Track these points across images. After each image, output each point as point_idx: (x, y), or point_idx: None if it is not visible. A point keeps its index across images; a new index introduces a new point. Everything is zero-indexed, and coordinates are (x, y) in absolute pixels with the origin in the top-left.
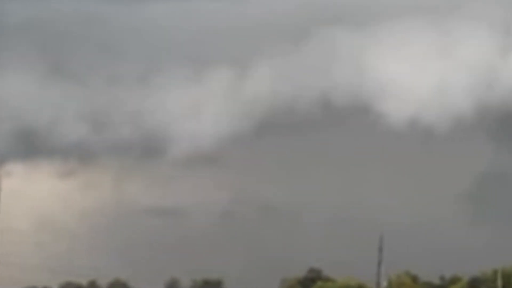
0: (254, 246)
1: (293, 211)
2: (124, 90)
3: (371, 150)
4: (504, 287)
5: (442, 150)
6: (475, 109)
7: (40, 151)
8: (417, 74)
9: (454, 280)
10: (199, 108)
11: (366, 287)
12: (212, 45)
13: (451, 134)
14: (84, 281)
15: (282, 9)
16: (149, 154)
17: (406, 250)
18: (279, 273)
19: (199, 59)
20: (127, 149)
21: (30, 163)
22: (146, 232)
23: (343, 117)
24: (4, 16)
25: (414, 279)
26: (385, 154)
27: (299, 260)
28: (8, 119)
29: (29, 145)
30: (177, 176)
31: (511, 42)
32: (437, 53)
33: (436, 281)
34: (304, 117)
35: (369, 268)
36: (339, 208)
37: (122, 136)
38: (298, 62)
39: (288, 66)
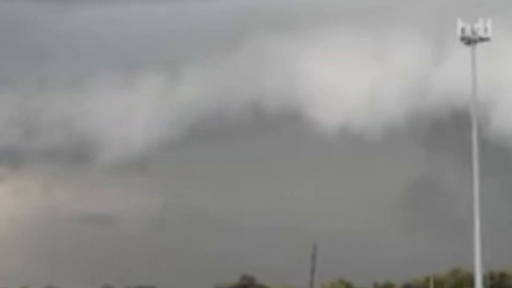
0: (186, 253)
1: (225, 218)
2: (55, 95)
3: (302, 157)
4: None
5: (374, 158)
6: (406, 116)
7: None
8: (349, 81)
9: (387, 286)
10: (130, 113)
11: None
12: (144, 51)
13: (383, 142)
14: None
15: (214, 15)
16: (79, 160)
17: (339, 257)
18: (212, 280)
19: (131, 65)
20: (58, 155)
21: None
22: (77, 239)
23: (274, 124)
24: None
25: (348, 286)
26: (316, 161)
27: (232, 267)
28: None
29: None
30: (108, 182)
31: (443, 51)
32: (370, 60)
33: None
34: (235, 124)
35: (302, 276)
36: (272, 215)
37: (52, 142)
38: (229, 68)
39: (219, 72)
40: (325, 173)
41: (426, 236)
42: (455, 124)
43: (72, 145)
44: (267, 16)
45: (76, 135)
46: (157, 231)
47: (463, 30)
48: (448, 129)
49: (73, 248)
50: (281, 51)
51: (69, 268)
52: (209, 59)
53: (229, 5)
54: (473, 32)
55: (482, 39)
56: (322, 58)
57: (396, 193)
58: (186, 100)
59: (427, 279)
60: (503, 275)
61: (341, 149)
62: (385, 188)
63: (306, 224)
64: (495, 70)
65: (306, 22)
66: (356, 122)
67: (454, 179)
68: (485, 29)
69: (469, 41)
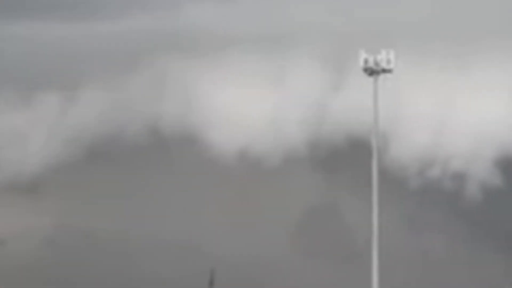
0: (80, 276)
1: (120, 240)
2: None
3: (198, 182)
4: None
5: (272, 183)
6: (306, 143)
7: None
8: (248, 106)
9: None
10: (25, 133)
11: None
12: (40, 69)
13: (282, 167)
14: None
15: (114, 37)
16: None
17: (237, 284)
18: None
19: (27, 84)
20: None
21: None
22: None
23: (171, 147)
24: None
25: None
26: (213, 186)
27: None
28: None
29: None
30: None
31: (344, 80)
32: (270, 86)
33: None
34: (132, 146)
35: None
36: (168, 239)
37: None
38: (128, 90)
39: (118, 94)
40: (223, 197)
41: (324, 262)
42: (354, 152)
43: None
44: (168, 38)
45: None
46: (48, 252)
47: (365, 61)
48: (346, 157)
49: None
50: (181, 74)
51: None
52: (108, 80)
53: (129, 26)
54: (376, 63)
55: (384, 70)
56: (223, 82)
57: (294, 219)
58: (83, 121)
59: None
60: None
61: (240, 173)
62: (283, 214)
63: (203, 250)
64: (396, 101)
65: (208, 46)
66: (255, 147)
67: (353, 207)
68: (388, 61)
69: (371, 72)
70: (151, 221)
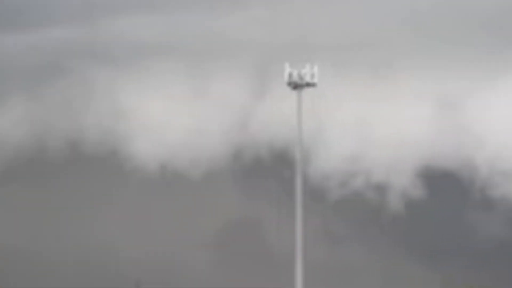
0: None
1: (39, 255)
2: None
3: (120, 194)
4: None
5: (194, 195)
6: (228, 154)
7: None
8: (171, 117)
9: None
10: None
11: None
12: None
13: (204, 179)
14: None
15: (33, 47)
16: None
17: None
18: None
19: None
20: None
21: None
22: None
23: (92, 160)
24: None
25: None
26: (135, 198)
27: None
28: None
29: None
30: None
31: (266, 89)
32: (193, 97)
33: None
34: (52, 160)
35: None
36: (89, 254)
37: None
38: (48, 102)
39: (37, 106)
40: (143, 211)
41: (245, 274)
42: (277, 164)
43: None
44: (89, 49)
45: None
46: None
47: (290, 75)
48: (269, 169)
49: None
50: (103, 86)
51: None
52: (28, 92)
53: (48, 36)
54: (300, 77)
55: (308, 84)
56: (146, 93)
57: (215, 231)
58: (2, 135)
59: None
60: None
61: (161, 185)
62: (205, 226)
63: (125, 264)
64: (319, 114)
65: (132, 57)
66: (177, 158)
67: (275, 218)
68: (312, 75)
69: (295, 86)
70: (71, 237)
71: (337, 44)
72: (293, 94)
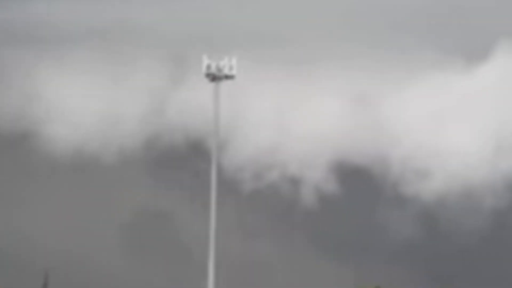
0: None
1: None
2: None
3: (34, 179)
4: None
5: (107, 181)
6: (143, 142)
7: None
8: (86, 102)
9: None
10: None
11: None
12: None
13: (118, 166)
14: None
15: None
16: None
17: (72, 287)
18: None
19: None
20: None
21: None
22: None
23: (4, 142)
24: None
25: None
26: (45, 184)
27: None
28: None
29: None
30: None
31: (184, 80)
32: (108, 83)
33: None
34: None
35: None
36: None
37: None
38: None
39: None
40: (57, 196)
41: (156, 264)
42: (191, 154)
43: None
44: (6, 31)
45: None
46: None
47: (208, 66)
48: (183, 158)
49: None
50: (19, 68)
51: None
52: None
53: None
54: (218, 69)
55: (227, 77)
56: (63, 77)
57: (127, 219)
58: None
59: None
60: None
61: (74, 171)
62: (117, 214)
63: (38, 250)
64: (236, 106)
65: (50, 41)
66: (91, 144)
67: (188, 208)
68: (230, 67)
69: (213, 77)
70: None
71: (257, 38)
72: (211, 85)
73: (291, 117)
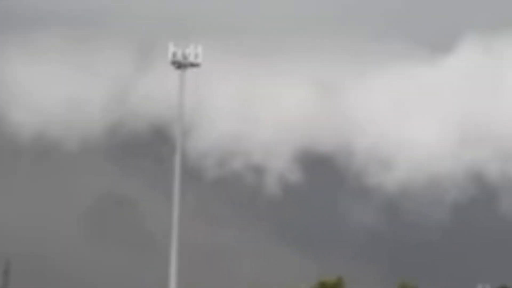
0: None
1: None
2: None
3: None
4: None
5: (69, 168)
6: (106, 129)
7: None
8: (48, 88)
9: None
10: None
11: None
12: None
13: (79, 152)
14: None
15: None
16: None
17: (33, 273)
18: None
19: None
20: None
21: None
22: None
23: None
24: None
25: None
26: (6, 168)
27: None
28: None
29: None
30: None
31: (149, 67)
32: (72, 69)
33: None
34: None
35: None
36: None
37: None
38: None
39: None
40: (15, 180)
41: (117, 250)
42: (155, 140)
43: None
44: None
45: None
46: None
47: (174, 54)
48: (147, 145)
49: None
50: None
51: None
52: None
53: None
54: (184, 57)
55: (192, 65)
56: (25, 63)
57: (88, 205)
58: None
59: None
60: None
61: (35, 156)
62: (77, 200)
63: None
64: (201, 94)
65: (14, 26)
66: (52, 129)
67: (152, 194)
68: (196, 55)
69: (179, 65)
70: None
71: (223, 27)
72: (177, 73)
73: (256, 106)
